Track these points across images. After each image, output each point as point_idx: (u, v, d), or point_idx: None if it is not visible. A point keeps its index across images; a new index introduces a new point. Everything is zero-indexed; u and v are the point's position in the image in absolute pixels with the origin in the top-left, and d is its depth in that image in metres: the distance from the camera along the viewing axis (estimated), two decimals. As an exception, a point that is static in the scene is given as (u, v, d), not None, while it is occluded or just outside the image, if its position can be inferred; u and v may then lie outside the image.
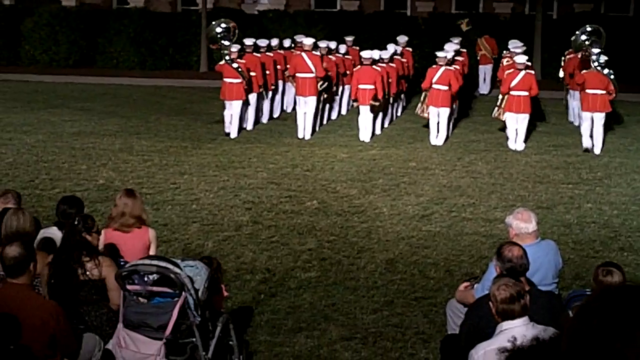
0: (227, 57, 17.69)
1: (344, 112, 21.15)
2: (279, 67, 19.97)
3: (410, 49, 22.20)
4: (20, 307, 5.24)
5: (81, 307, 6.24)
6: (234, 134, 17.62)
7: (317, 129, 18.43)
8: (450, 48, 18.97)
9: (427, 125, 17.88)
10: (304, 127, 17.70)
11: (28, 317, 5.21)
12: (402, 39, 21.78)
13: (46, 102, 22.95)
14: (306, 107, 17.75)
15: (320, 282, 8.92)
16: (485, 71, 25.60)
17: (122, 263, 6.77)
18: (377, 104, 17.58)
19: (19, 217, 6.74)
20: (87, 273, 6.31)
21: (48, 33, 32.67)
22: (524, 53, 18.62)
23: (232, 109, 17.79)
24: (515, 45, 19.74)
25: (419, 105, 18.61)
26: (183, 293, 5.89)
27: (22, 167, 14.07)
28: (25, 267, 5.53)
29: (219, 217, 11.33)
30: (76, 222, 6.52)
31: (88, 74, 30.68)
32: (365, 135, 17.48)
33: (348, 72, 20.32)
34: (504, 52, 21.34)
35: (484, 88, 25.53)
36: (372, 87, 17.36)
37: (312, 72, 17.72)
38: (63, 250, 6.41)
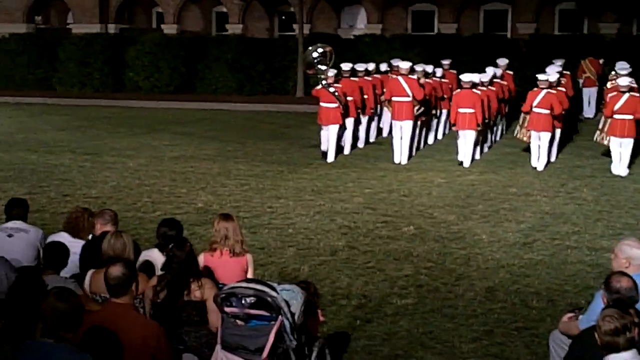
0: (323, 82, 17.80)
1: (440, 136, 21.01)
2: (375, 91, 19.99)
3: (511, 72, 21.93)
4: (122, 326, 5.36)
5: (182, 328, 6.33)
6: (330, 159, 17.69)
7: (413, 153, 18.35)
8: (552, 70, 18.63)
9: (527, 150, 17.59)
10: (401, 152, 17.65)
11: (129, 335, 5.32)
12: (502, 61, 21.54)
13: (148, 127, 23.56)
14: (402, 132, 17.70)
15: (417, 309, 8.83)
16: (589, 94, 25.07)
17: (220, 286, 6.85)
18: (479, 128, 17.42)
19: (119, 240, 6.91)
20: (191, 294, 6.41)
21: (150, 60, 33.54)
22: (631, 75, 18.13)
23: (329, 133, 17.88)
24: (621, 66, 19.27)
25: (518, 128, 18.33)
26: (279, 317, 5.91)
27: (125, 190, 14.44)
28: (128, 287, 5.66)
29: (315, 242, 11.36)
30: (181, 245, 6.64)
31: (188, 100, 31.38)
32: (464, 159, 17.31)
33: (445, 95, 20.21)
34: (611, 73, 20.81)
35: (588, 111, 24.99)
36: (472, 111, 17.20)
37: (408, 96, 17.68)
38: (169, 271, 6.52)
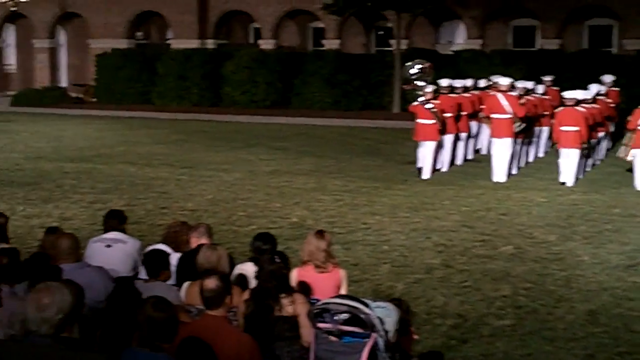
0: (421, 98, 17.73)
1: (541, 154, 20.66)
2: (474, 108, 19.80)
3: (617, 89, 21.41)
4: (217, 338, 5.42)
5: (274, 343, 6.36)
6: (426, 175, 17.58)
7: (513, 171, 18.07)
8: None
9: (631, 170, 17.13)
10: (499, 170, 17.41)
11: (223, 348, 5.38)
12: (608, 78, 21.07)
13: (244, 141, 23.89)
14: (501, 149, 17.46)
15: (515, 331, 8.67)
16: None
17: (313, 301, 6.87)
18: (583, 147, 17.05)
19: (215, 253, 7.01)
20: (282, 309, 6.44)
21: (247, 75, 34.03)
22: None
23: (425, 150, 17.78)
24: None
25: (622, 147, 17.88)
26: (373, 334, 5.88)
27: (220, 204, 14.66)
28: (222, 300, 5.73)
29: (410, 259, 11.29)
30: (275, 259, 6.70)
31: (284, 115, 31.71)
32: (566, 178, 16.95)
33: (546, 113, 19.86)
34: None
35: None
36: (576, 129, 16.83)
37: (507, 113, 17.43)
38: (260, 286, 6.58)
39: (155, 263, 7.06)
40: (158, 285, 6.78)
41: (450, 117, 18.48)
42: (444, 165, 18.65)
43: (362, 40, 38.45)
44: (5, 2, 40.68)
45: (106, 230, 8.54)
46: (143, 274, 7.35)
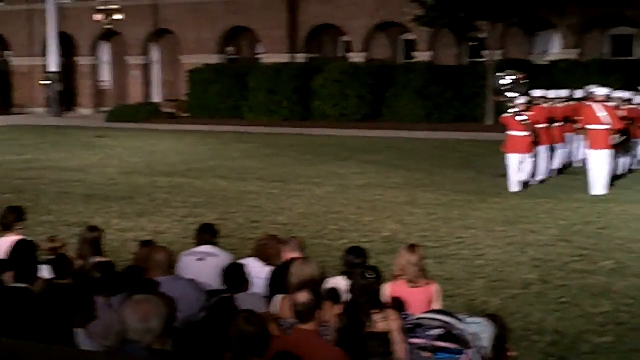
0: (513, 109, 17.48)
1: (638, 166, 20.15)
2: (569, 119, 19.42)
3: None
4: (308, 352, 5.43)
5: (366, 359, 6.33)
6: (517, 188, 17.29)
7: (611, 184, 17.63)
8: None
9: None
10: (597, 183, 17.00)
11: (315, 362, 5.39)
12: None
13: (335, 155, 23.96)
14: (599, 162, 17.05)
15: (617, 348, 8.42)
16: None
17: (405, 316, 6.82)
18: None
19: (306, 267, 7.04)
20: (374, 325, 6.41)
21: (337, 89, 34.18)
22: None
23: (512, 162, 17.51)
24: None
25: None
26: (467, 350, 5.79)
27: (312, 218, 14.71)
28: (314, 314, 5.75)
29: (505, 274, 11.10)
30: (367, 274, 6.67)
31: (375, 128, 31.72)
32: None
33: (645, 124, 19.36)
34: None
35: None
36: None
37: (604, 125, 17.03)
38: (352, 301, 6.57)
39: (236, 278, 7.09)
40: (247, 296, 6.81)
41: (543, 128, 18.15)
42: (537, 177, 18.32)
43: (454, 52, 38.21)
44: (100, 20, 41.88)
45: (198, 244, 8.66)
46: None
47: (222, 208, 15.61)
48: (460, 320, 5.92)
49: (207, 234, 8.74)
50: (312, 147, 26.46)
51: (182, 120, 37.15)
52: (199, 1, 40.69)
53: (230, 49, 42.24)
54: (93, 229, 9.01)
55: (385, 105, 34.22)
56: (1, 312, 5.79)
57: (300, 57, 39.29)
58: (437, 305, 7.38)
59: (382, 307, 6.55)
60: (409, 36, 38.60)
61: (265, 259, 8.16)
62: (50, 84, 41.48)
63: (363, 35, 38.53)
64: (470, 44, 38.43)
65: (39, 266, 7.27)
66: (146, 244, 8.46)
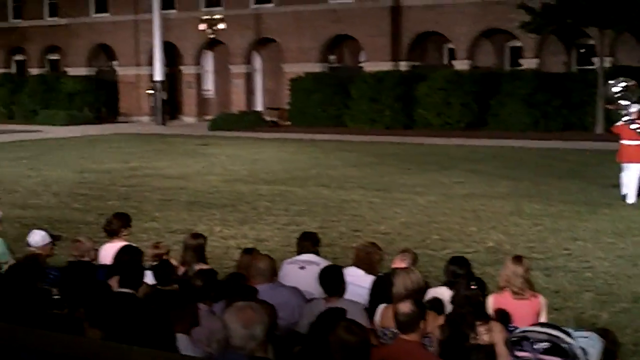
0: (625, 118, 17.03)
1: None
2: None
3: None
4: (411, 362, 5.41)
5: (470, 371, 6.26)
6: (631, 199, 16.82)
7: None
8: None
9: None
10: None
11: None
12: None
13: (438, 163, 23.80)
14: None
15: None
16: None
17: (510, 329, 6.71)
18: None
19: (410, 277, 7.01)
20: (478, 337, 6.34)
21: (441, 97, 33.99)
22: None
23: (630, 173, 17.04)
24: None
25: None
26: (575, 365, 5.66)
27: (414, 227, 14.64)
28: (417, 324, 5.71)
29: (616, 287, 10.81)
30: (471, 284, 6.61)
31: (479, 136, 31.38)
32: None
33: None
34: None
35: None
36: None
37: None
38: (456, 312, 6.51)
39: (333, 280, 7.11)
40: (348, 304, 6.83)
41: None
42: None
43: (562, 59, 37.50)
44: (204, 30, 42.70)
45: (300, 252, 8.72)
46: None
47: (323, 216, 15.68)
48: (568, 333, 5.79)
49: (308, 242, 8.79)
50: (415, 155, 26.35)
51: (284, 129, 37.53)
52: (301, 10, 41.08)
53: (332, 57, 42.47)
54: (196, 236, 9.18)
55: (490, 114, 33.83)
56: (107, 316, 5.95)
57: (403, 65, 39.19)
58: (543, 318, 7.25)
59: (486, 318, 6.47)
60: (516, 43, 38.06)
61: (366, 267, 8.16)
62: (155, 93, 42.50)
63: (467, 42, 38.18)
64: (580, 50, 37.66)
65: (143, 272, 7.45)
66: (248, 252, 8.57)
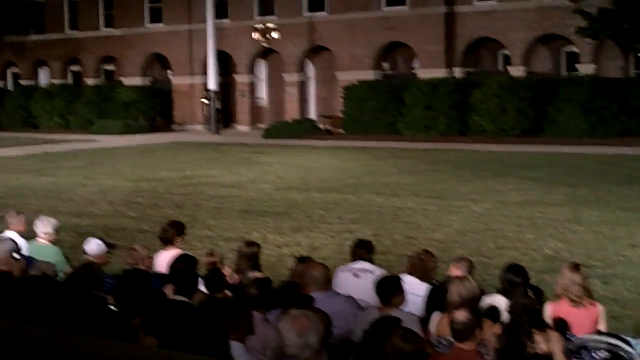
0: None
1: None
2: None
3: None
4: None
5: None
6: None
7: None
8: None
9: None
10: None
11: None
12: None
13: (493, 171, 23.61)
14: None
15: None
16: None
17: (568, 338, 6.63)
18: None
19: (466, 285, 6.96)
20: (536, 346, 6.26)
21: (496, 103, 33.74)
22: None
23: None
24: None
25: None
26: (636, 375, 5.57)
27: (469, 235, 14.53)
28: (472, 333, 5.67)
29: (678, 296, 10.61)
30: (528, 292, 6.55)
31: (535, 143, 31.08)
32: None
33: None
34: None
35: None
36: None
37: None
38: (512, 320, 6.45)
39: (390, 290, 7.09)
40: (402, 313, 6.81)
41: None
42: None
43: (619, 64, 36.95)
44: (258, 38, 42.98)
45: (354, 260, 8.72)
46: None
47: (377, 224, 15.65)
48: (627, 342, 5.71)
49: (362, 250, 8.79)
50: (470, 162, 26.18)
51: (338, 136, 37.57)
52: (354, 18, 41.11)
53: (385, 65, 42.42)
54: (250, 244, 9.24)
55: (546, 120, 33.48)
56: (162, 324, 6.00)
57: (458, 72, 39.01)
58: (601, 327, 7.16)
59: (543, 327, 6.39)
60: (572, 48, 37.64)
61: (420, 274, 8.12)
62: (209, 102, 42.87)
63: (523, 48, 37.86)
64: (637, 55, 37.09)
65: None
66: (302, 260, 8.59)
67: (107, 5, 51.12)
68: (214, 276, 7.77)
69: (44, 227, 10.19)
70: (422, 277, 8.04)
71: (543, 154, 27.93)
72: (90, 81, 50.98)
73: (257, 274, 8.25)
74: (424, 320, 7.08)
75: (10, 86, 54.64)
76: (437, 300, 7.28)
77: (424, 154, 29.45)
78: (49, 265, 8.12)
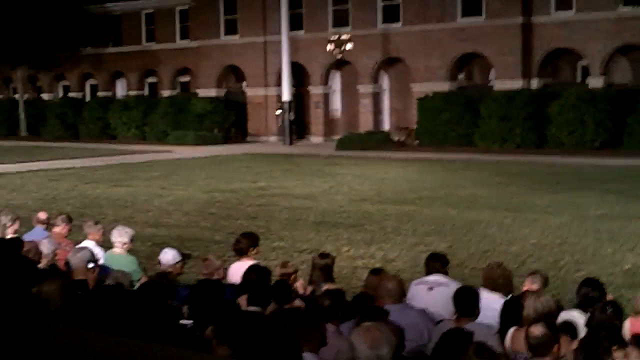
0: None
1: None
2: None
3: None
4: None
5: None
6: None
7: None
8: None
9: None
10: None
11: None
12: None
13: (571, 184, 23.27)
14: None
15: None
16: None
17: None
18: None
19: (540, 300, 6.86)
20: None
21: (574, 115, 33.26)
22: None
23: None
24: None
25: None
26: None
27: (546, 248, 14.33)
28: (549, 348, 5.59)
29: None
30: (606, 308, 6.43)
31: (615, 156, 30.53)
32: None
33: None
34: None
35: None
36: None
37: None
38: (590, 336, 6.34)
39: (467, 302, 7.02)
40: (478, 326, 6.73)
41: None
42: None
43: None
44: (332, 50, 43.14)
45: (428, 273, 8.67)
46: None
47: (452, 237, 15.55)
48: None
49: (437, 263, 8.73)
50: (546, 175, 25.82)
51: (412, 148, 37.43)
52: (429, 29, 40.95)
53: (461, 76, 42.15)
54: (324, 255, 9.25)
55: (626, 132, 32.85)
56: (236, 334, 6.05)
57: (534, 83, 38.55)
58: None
59: (622, 343, 6.26)
60: (653, 58, 36.94)
61: (494, 287, 8.03)
62: (282, 113, 43.16)
63: (602, 59, 37.22)
64: None
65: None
66: (376, 272, 8.57)
67: (183, 18, 51.93)
68: (281, 288, 7.80)
69: (120, 236, 10.38)
70: (497, 290, 7.95)
71: (623, 167, 27.39)
72: (165, 93, 51.80)
73: (330, 286, 8.27)
74: (501, 334, 6.99)
75: (88, 98, 55.80)
76: (512, 314, 7.18)
77: (499, 166, 29.15)
78: (124, 275, 8.26)
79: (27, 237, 10.37)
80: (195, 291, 7.90)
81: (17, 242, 9.54)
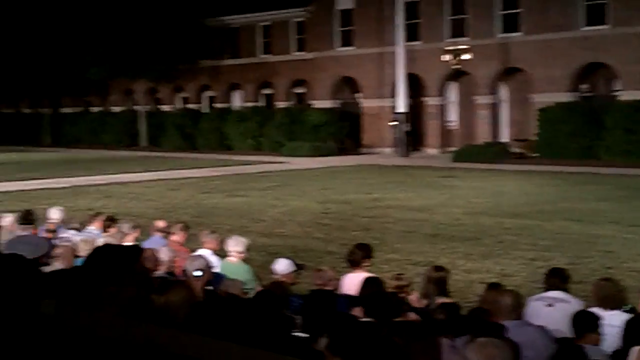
0: None
1: None
2: None
3: None
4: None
5: None
6: None
7: None
8: None
9: None
10: None
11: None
12: None
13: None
14: None
15: None
16: None
17: None
18: None
19: None
20: None
21: None
22: None
23: None
24: None
25: None
26: None
27: None
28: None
29: None
30: None
31: None
32: None
33: None
34: None
35: None
36: None
37: None
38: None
39: (581, 323, 6.85)
40: (594, 350, 6.55)
41: None
42: None
43: None
44: (449, 60, 42.86)
45: (547, 289, 8.48)
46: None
47: (572, 252, 15.18)
48: None
49: (556, 279, 8.54)
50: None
51: (531, 161, 36.78)
52: (550, 38, 40.23)
53: (584, 86, 41.19)
54: (439, 268, 9.17)
55: None
56: (349, 345, 6.04)
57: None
58: None
59: None
60: None
61: (603, 303, 7.78)
62: (398, 125, 43.07)
63: None
64: None
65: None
66: (493, 287, 8.44)
67: (298, 30, 52.54)
68: (395, 300, 7.75)
69: (236, 245, 10.54)
70: (612, 306, 7.71)
71: None
72: (281, 104, 52.45)
73: (445, 300, 8.17)
74: (622, 354, 6.77)
75: (205, 109, 57.01)
76: (635, 332, 6.95)
77: (623, 179, 28.35)
78: (236, 283, 8.37)
79: (146, 245, 10.64)
80: (309, 301, 7.93)
81: (137, 249, 9.78)
